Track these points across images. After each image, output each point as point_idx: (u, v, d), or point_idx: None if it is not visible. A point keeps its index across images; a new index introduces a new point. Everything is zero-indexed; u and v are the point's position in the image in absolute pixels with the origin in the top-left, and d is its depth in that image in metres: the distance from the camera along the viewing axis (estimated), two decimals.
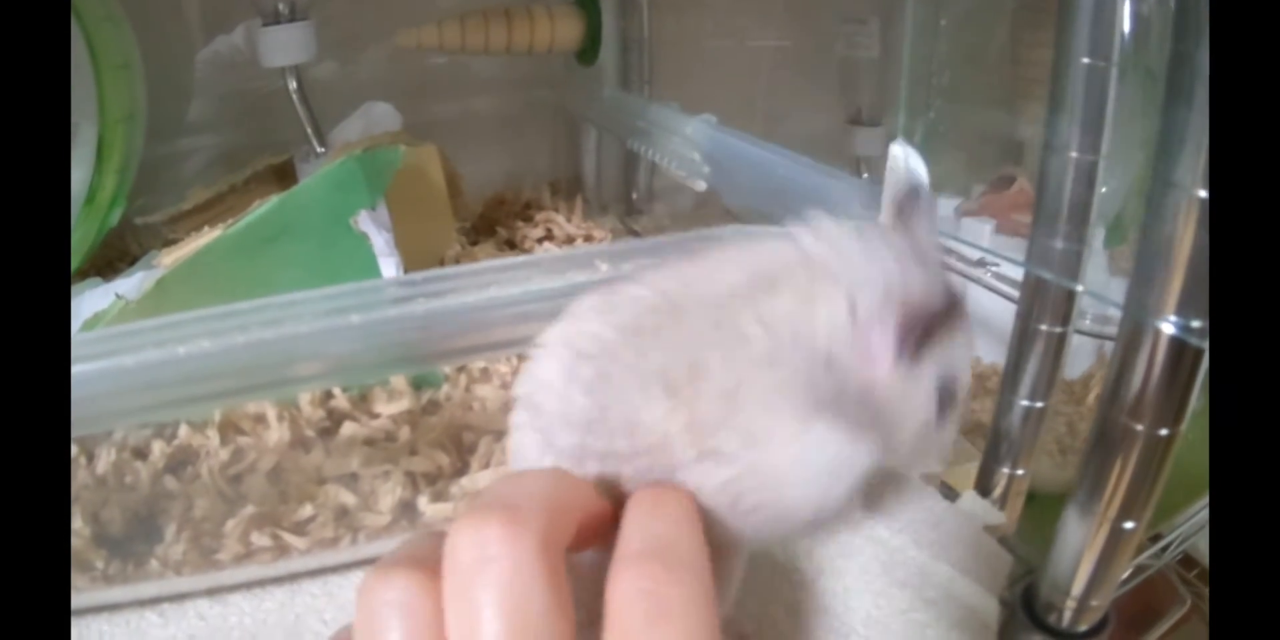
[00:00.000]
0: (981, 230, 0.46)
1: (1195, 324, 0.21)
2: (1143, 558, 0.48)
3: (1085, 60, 0.25)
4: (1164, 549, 0.48)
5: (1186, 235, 0.20)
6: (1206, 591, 0.67)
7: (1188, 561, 0.70)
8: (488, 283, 0.22)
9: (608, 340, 0.17)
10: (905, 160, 0.27)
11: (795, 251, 0.17)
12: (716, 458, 0.16)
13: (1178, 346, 0.21)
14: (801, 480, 0.17)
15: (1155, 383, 0.22)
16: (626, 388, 0.16)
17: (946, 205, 0.50)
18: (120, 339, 0.21)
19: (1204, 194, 0.19)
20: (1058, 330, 0.30)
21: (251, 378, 0.21)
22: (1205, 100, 0.19)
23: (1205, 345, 0.21)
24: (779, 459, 0.16)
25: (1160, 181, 0.21)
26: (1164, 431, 0.23)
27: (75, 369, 0.20)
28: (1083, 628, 0.27)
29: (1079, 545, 0.25)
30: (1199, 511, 0.48)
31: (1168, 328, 0.21)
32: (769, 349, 0.16)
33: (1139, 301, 0.22)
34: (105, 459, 0.30)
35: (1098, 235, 0.30)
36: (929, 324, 0.16)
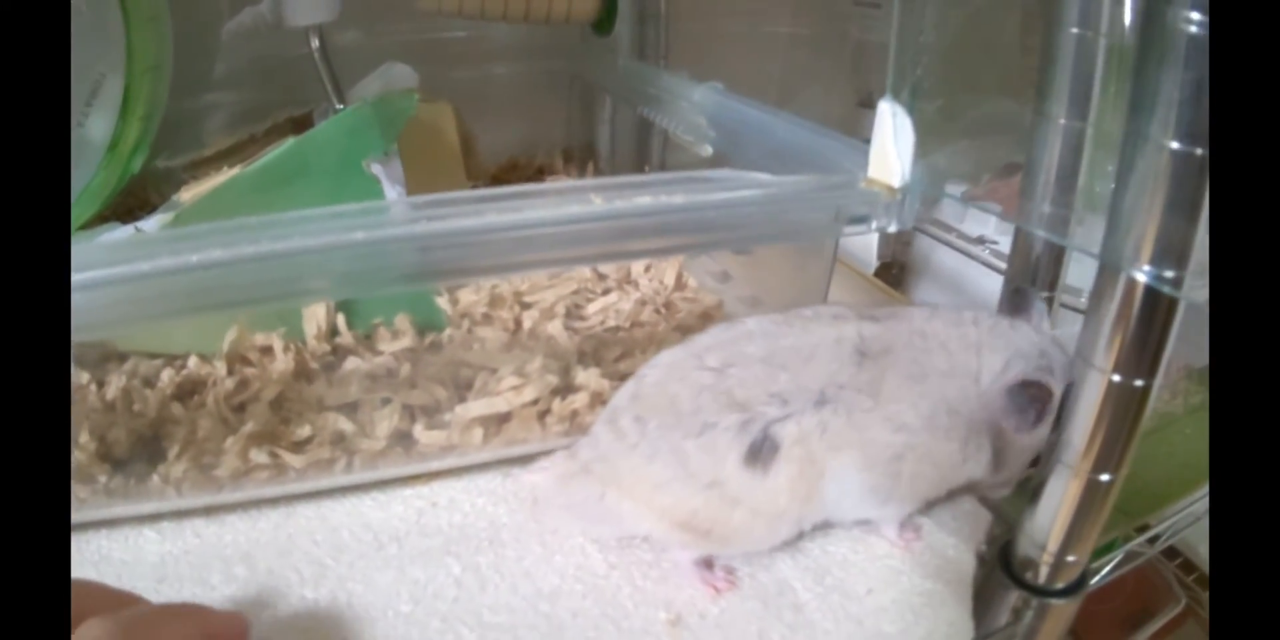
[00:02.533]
0: (986, 215, 0.46)
1: (1169, 273, 0.21)
2: (1133, 545, 0.48)
3: (1074, 30, 0.26)
4: (1154, 538, 0.48)
5: (1159, 186, 0.20)
6: (1203, 595, 0.66)
7: (1186, 566, 0.69)
8: (488, 209, 0.23)
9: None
10: (893, 117, 0.28)
11: (978, 317, 0.27)
12: (895, 422, 0.24)
13: (1151, 295, 0.22)
14: (949, 468, 0.26)
15: (1131, 332, 0.23)
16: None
17: (953, 191, 0.51)
18: (136, 248, 0.22)
19: (1176, 145, 0.20)
20: (1045, 295, 0.30)
21: (260, 289, 0.21)
22: (1178, 56, 0.19)
23: (1179, 294, 0.21)
24: (943, 449, 0.25)
25: (1133, 135, 0.21)
26: (1139, 382, 0.23)
27: (93, 274, 0.21)
28: (1060, 585, 0.27)
29: (1056, 498, 0.26)
30: (1191, 504, 0.48)
31: (1141, 276, 0.21)
32: (950, 367, 0.25)
33: (1113, 251, 0.22)
34: (115, 385, 0.31)
35: (1097, 227, 0.31)
36: (1047, 405, 0.25)
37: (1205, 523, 0.51)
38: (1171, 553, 0.69)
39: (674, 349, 0.27)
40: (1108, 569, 0.47)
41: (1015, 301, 0.30)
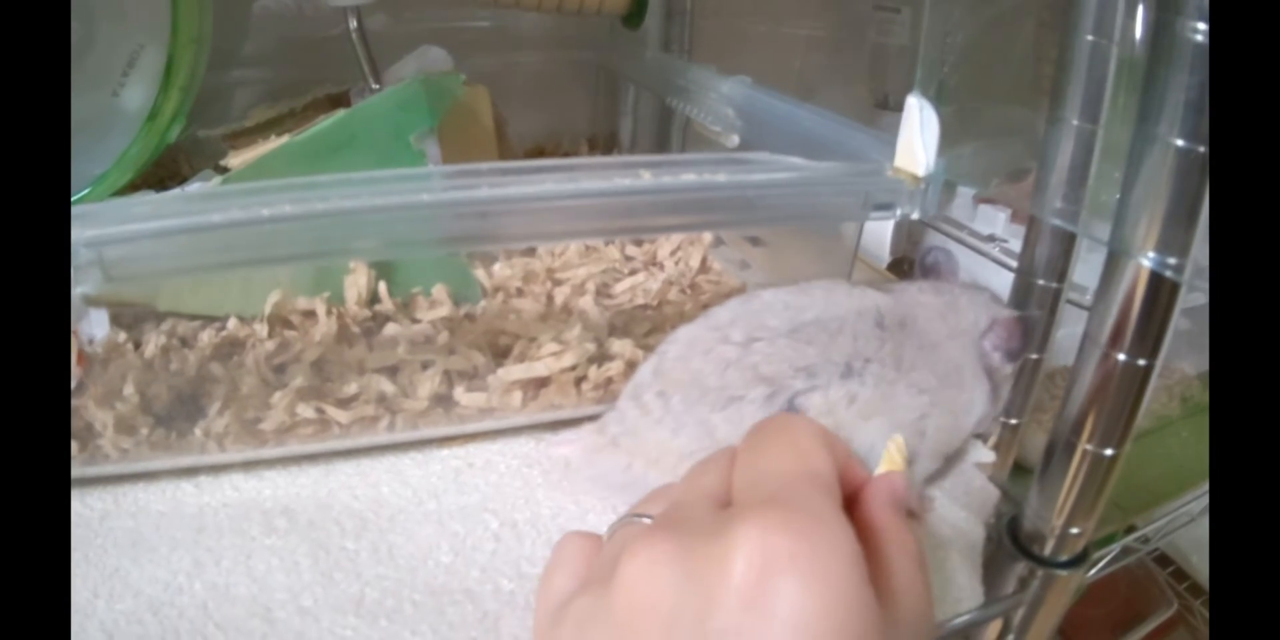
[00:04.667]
0: (996, 217, 0.48)
1: (1171, 260, 0.23)
2: (1128, 541, 0.50)
3: (1089, 38, 0.27)
4: (1149, 536, 0.50)
5: (1165, 181, 0.22)
6: (1194, 602, 0.69)
7: (1179, 574, 0.72)
8: (542, 179, 0.24)
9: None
10: (920, 110, 0.29)
11: (944, 285, 0.31)
12: (917, 386, 0.27)
13: (1155, 281, 0.23)
14: (964, 415, 0.28)
15: (1136, 314, 0.24)
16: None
17: (965, 193, 0.53)
18: (209, 200, 0.23)
19: (1181, 143, 0.21)
20: (1054, 286, 0.32)
21: (324, 243, 0.23)
22: (1184, 63, 0.21)
23: (1180, 279, 0.23)
24: (958, 399, 0.28)
25: (1142, 134, 0.23)
26: (1142, 361, 0.25)
27: (166, 223, 0.22)
28: (1064, 557, 0.29)
29: (1063, 472, 0.27)
30: (1185, 505, 0.50)
31: (1146, 263, 0.23)
32: (950, 330, 0.28)
33: (1122, 239, 0.24)
34: (154, 343, 0.31)
35: (1104, 231, 0.33)
36: (1021, 343, 0.29)
37: (1193, 529, 0.53)
38: (1164, 560, 0.72)
39: (692, 324, 0.27)
40: (1105, 561, 0.49)
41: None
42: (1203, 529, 0.54)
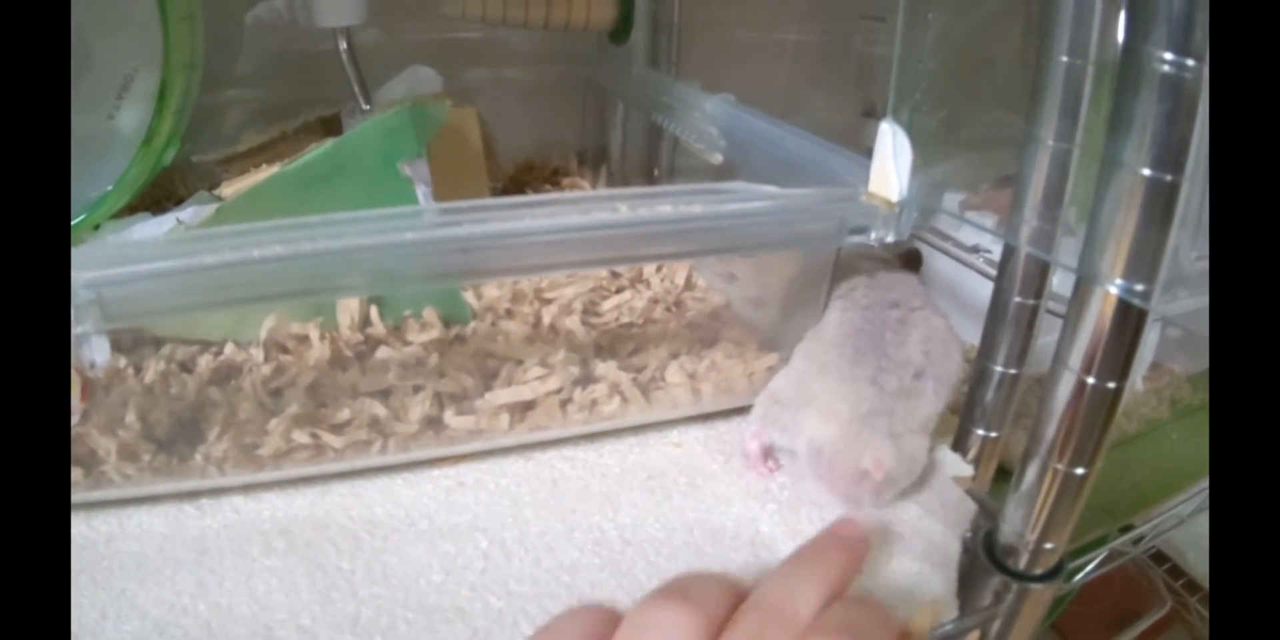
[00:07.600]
0: (983, 224, 0.49)
1: (1139, 287, 0.23)
2: (1118, 543, 0.51)
3: (1064, 59, 0.28)
4: (1138, 539, 0.51)
5: (1132, 208, 0.22)
6: (1190, 599, 0.69)
7: (1175, 571, 0.72)
8: (522, 215, 0.25)
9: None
10: (893, 136, 0.30)
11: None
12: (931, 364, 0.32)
13: (1123, 307, 0.24)
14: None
15: (1105, 339, 0.25)
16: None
17: (952, 200, 0.53)
18: (202, 241, 0.24)
19: (1148, 172, 0.22)
20: (1031, 302, 0.32)
21: (313, 281, 0.23)
22: (1151, 90, 0.21)
23: (1147, 306, 0.24)
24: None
25: (1110, 161, 0.23)
26: (1111, 385, 0.25)
27: (161, 265, 0.23)
28: (1038, 571, 0.29)
29: (1035, 490, 0.28)
30: (1175, 506, 0.50)
31: (1114, 290, 0.24)
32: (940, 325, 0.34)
33: (1090, 266, 0.24)
34: (154, 369, 0.32)
35: (1077, 243, 0.34)
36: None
37: (1189, 526, 0.54)
38: (1160, 558, 0.72)
39: (835, 344, 0.32)
40: (1094, 564, 0.50)
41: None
42: (1199, 525, 0.55)
